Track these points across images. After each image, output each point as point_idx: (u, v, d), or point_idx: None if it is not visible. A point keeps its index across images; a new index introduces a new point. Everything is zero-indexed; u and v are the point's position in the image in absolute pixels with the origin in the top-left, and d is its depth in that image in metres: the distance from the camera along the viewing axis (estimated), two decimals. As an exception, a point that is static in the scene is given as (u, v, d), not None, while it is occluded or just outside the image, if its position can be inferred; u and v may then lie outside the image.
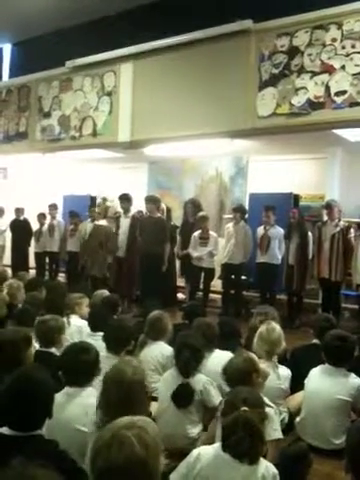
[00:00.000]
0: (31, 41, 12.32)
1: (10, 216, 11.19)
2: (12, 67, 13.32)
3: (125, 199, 8.56)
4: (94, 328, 4.71)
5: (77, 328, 4.95)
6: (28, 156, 10.85)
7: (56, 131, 9.97)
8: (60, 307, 5.04)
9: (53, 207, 10.71)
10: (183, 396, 3.57)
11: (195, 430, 3.57)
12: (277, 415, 3.25)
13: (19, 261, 10.72)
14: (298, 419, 3.84)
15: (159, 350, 4.51)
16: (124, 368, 2.65)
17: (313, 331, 4.66)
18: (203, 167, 10.30)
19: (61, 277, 10.68)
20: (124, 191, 8.77)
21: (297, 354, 4.55)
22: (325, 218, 7.47)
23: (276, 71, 7.20)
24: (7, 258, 11.14)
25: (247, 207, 8.75)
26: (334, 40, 6.73)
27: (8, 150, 10.90)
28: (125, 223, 8.53)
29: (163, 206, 8.91)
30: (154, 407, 3.68)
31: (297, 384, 3.97)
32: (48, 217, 10.76)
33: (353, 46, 6.57)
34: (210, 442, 2.72)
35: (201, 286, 8.42)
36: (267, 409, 2.76)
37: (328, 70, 6.76)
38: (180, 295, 9.22)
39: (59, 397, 2.90)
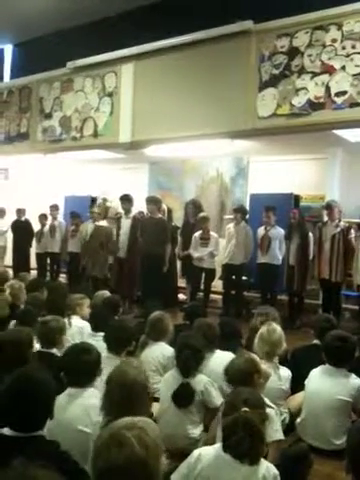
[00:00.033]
0: (32, 42, 12.34)
1: (11, 217, 11.21)
2: (13, 68, 13.35)
3: (126, 200, 8.56)
4: (95, 329, 4.72)
5: (78, 329, 4.96)
6: (29, 157, 10.86)
7: (57, 132, 9.98)
8: (61, 308, 5.05)
9: (54, 208, 10.72)
10: (183, 396, 3.58)
11: (196, 431, 3.58)
12: (278, 416, 3.25)
13: (20, 262, 10.73)
14: (299, 420, 3.84)
15: (160, 351, 4.52)
16: (127, 369, 2.67)
17: (314, 332, 4.67)
18: (204, 168, 10.30)
19: (62, 278, 10.68)
20: (125, 192, 8.77)
21: (298, 355, 4.56)
22: (325, 218, 7.48)
23: (276, 72, 7.20)
24: (8, 259, 11.16)
25: (248, 208, 8.76)
26: (334, 41, 6.73)
27: (9, 151, 10.91)
28: (126, 224, 8.53)
29: (164, 207, 8.92)
30: (155, 408, 3.68)
31: (298, 385, 3.97)
32: (49, 218, 10.77)
33: (353, 47, 6.58)
34: (211, 443, 2.72)
35: (202, 287, 8.43)
36: (268, 410, 2.76)
37: (328, 71, 6.76)
38: (181, 296, 9.23)
39: (61, 398, 2.91)
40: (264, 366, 3.32)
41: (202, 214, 8.53)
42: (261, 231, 7.99)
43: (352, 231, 7.17)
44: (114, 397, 2.52)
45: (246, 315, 7.61)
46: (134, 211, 8.69)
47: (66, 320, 4.58)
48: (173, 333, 4.67)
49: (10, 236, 11.21)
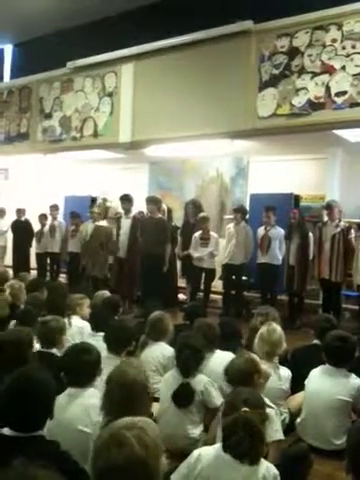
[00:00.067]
0: (32, 42, 12.34)
1: (11, 217, 11.21)
2: (13, 68, 13.35)
3: (126, 200, 8.56)
4: (95, 329, 4.73)
5: (78, 329, 4.96)
6: (29, 157, 10.86)
7: (57, 132, 9.98)
8: (61, 308, 5.05)
9: (54, 208, 10.72)
10: (183, 396, 3.58)
11: (196, 431, 3.58)
12: (278, 416, 3.25)
13: (20, 262, 10.73)
14: (299, 420, 3.84)
15: (160, 351, 4.52)
16: (127, 369, 2.67)
17: (314, 332, 4.67)
18: (204, 168, 10.30)
19: (62, 278, 10.68)
20: (125, 192, 8.78)
21: (298, 355, 4.56)
22: (325, 219, 7.48)
23: (276, 72, 7.21)
24: (8, 259, 11.16)
25: (248, 208, 8.75)
26: (334, 41, 6.73)
27: (9, 151, 10.91)
28: (126, 224, 8.53)
29: (164, 207, 8.92)
30: (155, 408, 3.68)
31: (298, 385, 3.97)
32: (49, 218, 10.76)
33: (353, 47, 6.58)
34: (211, 443, 2.72)
35: (202, 287, 8.43)
36: (268, 410, 2.76)
37: (328, 71, 6.76)
38: (181, 296, 9.23)
39: (61, 398, 2.91)
40: (264, 366, 3.32)
41: (202, 214, 8.53)
42: (261, 231, 7.98)
43: (352, 231, 7.17)
44: (114, 397, 2.52)
45: (246, 315, 7.61)
46: (134, 211, 8.69)
47: (66, 320, 4.58)
48: (173, 333, 4.67)
49: (10, 236, 11.21)
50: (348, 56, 6.62)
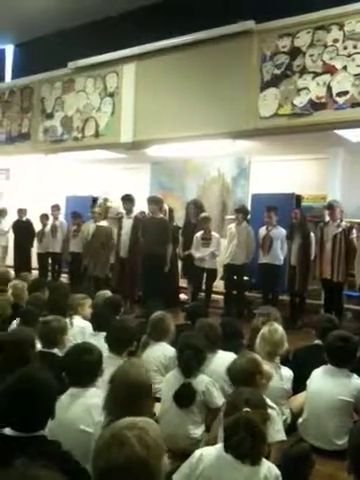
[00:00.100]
0: (33, 42, 12.34)
1: (13, 217, 11.22)
2: (14, 68, 13.35)
3: (127, 200, 8.56)
4: (97, 329, 4.73)
5: (80, 329, 4.95)
6: (31, 157, 10.87)
7: (59, 132, 9.99)
8: (63, 308, 5.04)
9: (56, 208, 10.72)
10: (185, 396, 3.58)
11: (197, 431, 3.58)
12: (280, 416, 3.25)
13: (22, 262, 10.74)
14: (300, 420, 3.84)
15: (161, 351, 4.52)
16: (131, 369, 2.68)
17: (315, 332, 4.66)
18: (205, 168, 10.31)
19: (64, 278, 10.69)
20: (126, 192, 8.77)
21: (299, 355, 4.55)
22: (327, 218, 7.47)
23: (278, 72, 7.21)
24: (10, 259, 11.17)
25: (249, 208, 8.76)
26: (336, 41, 6.73)
27: (11, 151, 10.92)
28: (127, 224, 8.54)
29: (165, 207, 8.92)
30: (157, 408, 3.68)
31: (299, 385, 3.96)
32: (51, 218, 10.77)
33: (355, 47, 6.58)
34: (213, 443, 2.72)
35: (203, 287, 8.42)
36: (269, 410, 2.76)
37: (330, 71, 6.76)
38: (182, 296, 9.23)
39: (63, 398, 2.92)
40: (266, 367, 3.31)
41: (204, 214, 8.53)
42: (263, 231, 7.98)
43: (354, 231, 7.16)
44: (117, 397, 2.52)
45: (247, 315, 7.60)
46: (136, 211, 8.69)
47: (68, 320, 4.58)
48: (174, 333, 4.67)
49: (11, 236, 11.22)
50: (349, 56, 6.62)
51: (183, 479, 2.40)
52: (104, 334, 4.21)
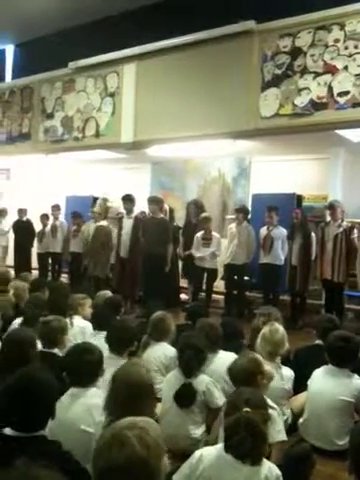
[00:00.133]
0: (34, 42, 12.34)
1: (13, 217, 11.22)
2: (15, 68, 13.35)
3: (128, 200, 8.55)
4: (97, 329, 4.73)
5: (80, 329, 4.95)
6: (31, 157, 10.88)
7: (59, 132, 9.99)
8: (63, 308, 5.04)
9: (56, 208, 10.72)
10: (185, 396, 3.57)
11: (198, 431, 3.57)
12: (280, 417, 3.24)
13: (22, 262, 10.74)
14: (301, 420, 3.83)
15: (162, 351, 4.51)
16: (133, 369, 2.68)
17: (316, 332, 4.65)
18: (206, 168, 10.30)
19: (64, 278, 10.69)
20: (127, 192, 8.77)
21: (300, 355, 4.55)
22: (328, 219, 7.46)
23: (279, 72, 7.21)
24: (10, 259, 11.16)
25: (250, 208, 8.75)
26: (337, 41, 6.73)
27: (11, 151, 10.93)
28: (128, 224, 8.53)
29: (166, 207, 8.91)
30: (157, 408, 3.67)
31: (300, 385, 3.96)
32: (51, 218, 10.77)
33: (356, 47, 6.59)
34: (213, 443, 2.72)
35: (204, 287, 8.42)
36: (270, 411, 2.75)
37: (331, 71, 6.76)
38: (183, 296, 9.23)
39: (64, 398, 2.91)
40: (267, 367, 3.31)
41: (204, 214, 8.53)
42: (263, 231, 7.98)
43: (355, 231, 7.15)
44: (119, 396, 2.51)
45: (248, 315, 7.60)
46: (136, 211, 8.69)
47: (68, 320, 4.58)
48: (175, 333, 4.66)
49: (12, 236, 11.21)
50: (350, 56, 6.62)
51: (183, 479, 2.40)
52: (104, 334, 4.21)
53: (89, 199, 10.77)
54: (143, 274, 8.23)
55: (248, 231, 8.16)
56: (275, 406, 3.12)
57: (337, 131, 7.03)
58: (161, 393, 3.80)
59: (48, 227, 10.70)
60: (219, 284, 8.62)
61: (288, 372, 3.95)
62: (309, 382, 3.86)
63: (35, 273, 10.26)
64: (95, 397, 2.92)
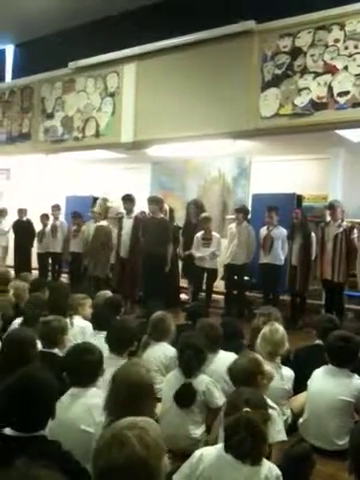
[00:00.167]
0: (34, 42, 12.34)
1: (13, 217, 11.22)
2: (15, 68, 13.35)
3: (128, 200, 8.55)
4: (97, 328, 4.73)
5: (80, 329, 4.95)
6: (31, 157, 10.88)
7: (59, 132, 9.99)
8: (63, 308, 5.03)
9: (56, 208, 10.72)
10: (185, 396, 3.57)
11: (198, 431, 3.57)
12: (280, 417, 3.24)
13: (22, 262, 10.73)
14: (301, 420, 3.83)
15: (162, 351, 4.51)
16: (134, 369, 2.67)
17: (316, 332, 4.65)
18: (206, 168, 10.30)
19: (64, 278, 10.69)
20: (127, 192, 8.76)
21: (300, 355, 4.55)
22: (328, 219, 7.46)
23: (279, 72, 7.21)
24: (10, 259, 11.16)
25: (250, 208, 8.75)
26: (337, 41, 6.73)
27: (11, 151, 10.93)
28: (128, 224, 8.53)
29: (166, 207, 8.91)
30: (158, 408, 3.67)
31: (300, 385, 3.96)
32: (51, 218, 10.77)
33: (356, 47, 6.59)
34: (214, 444, 2.72)
35: (204, 287, 8.42)
36: (270, 411, 2.75)
37: (331, 71, 6.76)
38: (183, 296, 9.23)
39: (64, 398, 2.91)
40: (268, 367, 3.31)
41: (204, 214, 8.53)
42: (263, 231, 7.98)
43: (355, 231, 7.15)
44: (119, 396, 2.51)
45: (248, 315, 7.59)
46: (136, 211, 8.69)
47: (68, 320, 4.58)
48: (175, 333, 4.67)
49: (12, 236, 11.21)
50: (350, 56, 6.62)
51: (183, 479, 2.40)
52: (104, 334, 4.21)
53: (89, 199, 10.77)
54: (143, 274, 8.23)
55: (248, 231, 8.16)
56: (275, 406, 3.12)
57: (337, 131, 7.03)
58: (161, 393, 3.80)
59: (48, 227, 10.70)
60: (219, 284, 8.62)
61: (288, 372, 3.95)
62: (309, 382, 3.86)
63: (35, 273, 10.26)
64: (95, 397, 2.92)
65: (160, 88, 8.40)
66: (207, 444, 3.04)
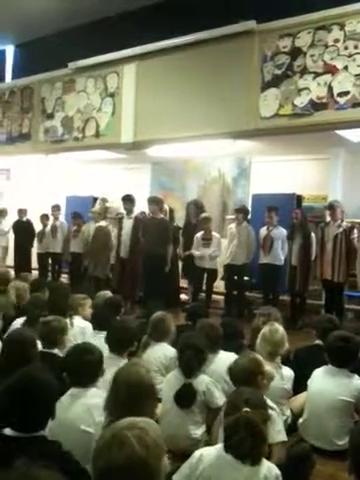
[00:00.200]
0: (34, 42, 12.34)
1: (13, 217, 11.22)
2: (15, 68, 13.35)
3: (128, 200, 8.55)
4: (97, 329, 4.73)
5: (80, 329, 4.95)
6: (31, 157, 10.88)
7: (59, 132, 9.99)
8: (63, 308, 5.03)
9: (56, 208, 10.72)
10: (186, 396, 3.57)
11: (198, 431, 3.57)
12: (280, 417, 3.24)
13: (22, 262, 10.73)
14: (301, 420, 3.83)
15: (162, 351, 4.51)
16: (133, 369, 2.67)
17: (316, 332, 4.65)
18: (206, 168, 10.31)
19: (64, 278, 10.69)
20: (127, 192, 8.76)
21: (300, 355, 4.55)
22: (328, 219, 7.46)
23: (279, 72, 7.21)
24: (10, 259, 11.16)
25: (250, 208, 8.75)
26: (337, 41, 6.73)
27: (11, 151, 10.93)
28: (128, 224, 8.53)
29: (166, 207, 8.91)
30: (158, 408, 3.68)
31: (300, 385, 3.96)
32: (51, 218, 10.77)
33: (356, 47, 6.59)
34: (214, 444, 2.72)
35: (204, 287, 8.42)
36: (270, 411, 2.76)
37: (331, 71, 6.76)
38: (183, 296, 9.23)
39: (64, 398, 2.91)
40: (268, 367, 3.31)
41: (204, 214, 8.52)
42: (263, 231, 7.97)
43: (355, 231, 7.15)
44: (118, 397, 2.52)
45: (248, 315, 7.60)
46: (136, 211, 8.69)
47: (68, 320, 4.58)
48: (175, 333, 4.67)
49: (12, 236, 11.21)
50: (350, 56, 6.62)
51: (183, 479, 2.40)
52: (104, 334, 4.21)
53: (89, 199, 10.77)
54: (143, 274, 8.23)
55: (248, 231, 8.16)
56: (275, 407, 3.12)
57: (337, 131, 7.03)
58: (161, 393, 3.80)
59: (48, 227, 10.70)
60: (219, 284, 8.62)
61: (288, 372, 3.95)
62: (309, 382, 3.86)
63: (35, 273, 10.26)
64: (95, 397, 2.92)
65: (160, 88, 8.40)
66: (207, 444, 3.04)
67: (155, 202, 8.26)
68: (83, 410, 2.90)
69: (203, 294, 8.42)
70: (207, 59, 7.88)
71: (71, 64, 9.64)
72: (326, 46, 6.81)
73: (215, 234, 8.41)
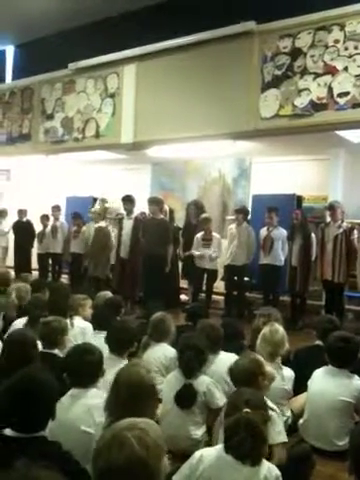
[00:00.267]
0: (34, 43, 12.35)
1: (13, 218, 11.22)
2: (15, 69, 13.35)
3: (128, 200, 8.55)
4: (97, 329, 4.73)
5: (80, 329, 4.95)
6: (31, 158, 10.88)
7: (59, 133, 10.00)
8: (63, 308, 5.03)
9: (56, 209, 10.72)
10: (186, 397, 3.57)
11: (198, 432, 3.57)
12: (280, 418, 3.24)
13: (22, 263, 10.73)
14: (301, 420, 3.83)
15: (162, 352, 4.51)
16: (134, 370, 2.67)
17: (316, 332, 4.65)
18: (206, 168, 10.31)
19: (64, 278, 10.69)
20: (127, 192, 8.76)
21: (300, 355, 4.55)
22: (328, 219, 7.46)
23: (279, 72, 7.21)
24: (10, 260, 11.16)
25: (250, 208, 8.75)
26: (337, 41, 6.74)
27: (11, 152, 10.93)
28: (128, 224, 8.53)
29: (166, 207, 8.91)
30: (158, 409, 3.67)
31: (300, 385, 3.96)
32: (51, 219, 10.77)
33: (356, 47, 6.59)
34: (215, 445, 2.72)
35: (204, 287, 8.42)
36: (270, 412, 2.75)
37: (331, 71, 6.77)
38: (183, 296, 9.22)
39: (64, 399, 2.91)
40: (269, 368, 3.31)
41: (204, 215, 8.52)
42: (263, 232, 7.97)
43: (355, 232, 7.15)
44: (119, 397, 2.52)
45: (248, 316, 7.60)
46: (136, 212, 8.69)
47: (68, 321, 4.58)
48: (175, 334, 4.67)
49: (12, 237, 11.21)
50: (350, 57, 6.62)
51: (183, 480, 2.40)
52: (104, 335, 4.21)
53: (89, 200, 10.76)
54: (143, 275, 8.22)
55: (248, 232, 8.16)
56: (275, 407, 3.12)
57: (337, 132, 7.04)
58: (161, 394, 3.80)
59: (48, 228, 10.70)
60: (219, 285, 8.62)
61: (288, 372, 3.95)
62: (309, 383, 3.86)
63: (35, 274, 10.26)
64: (95, 398, 2.92)
65: (160, 89, 8.40)
66: (208, 445, 3.04)
67: (155, 203, 8.26)
68: (83, 411, 2.90)
69: (203, 294, 8.42)
70: (207, 59, 7.88)
71: (71, 65, 9.65)
72: (326, 47, 6.81)
73: (215, 235, 8.41)
